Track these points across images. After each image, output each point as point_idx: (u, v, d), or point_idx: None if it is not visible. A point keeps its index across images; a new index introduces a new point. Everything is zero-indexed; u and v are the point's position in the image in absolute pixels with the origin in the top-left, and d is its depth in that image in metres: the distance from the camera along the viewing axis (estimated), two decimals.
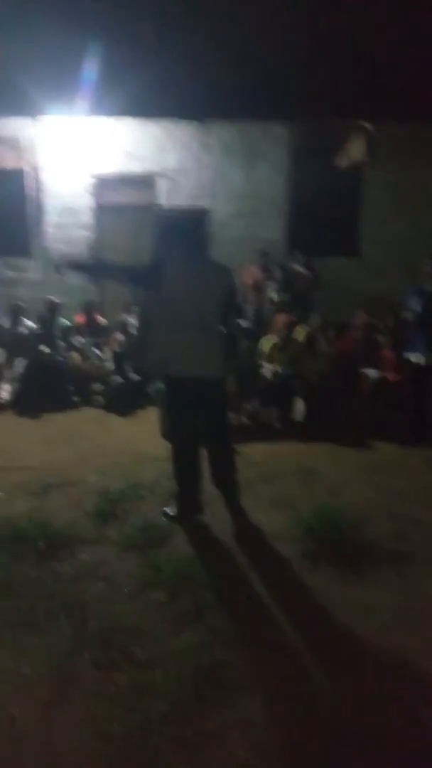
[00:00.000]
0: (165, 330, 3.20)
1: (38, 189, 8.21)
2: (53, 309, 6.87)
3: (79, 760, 1.82)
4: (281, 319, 6.02)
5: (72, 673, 2.16)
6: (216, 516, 3.34)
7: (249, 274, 7.76)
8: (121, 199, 8.43)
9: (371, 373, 5.60)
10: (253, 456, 4.37)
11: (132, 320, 7.07)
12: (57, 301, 7.04)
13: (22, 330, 6.82)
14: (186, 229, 3.41)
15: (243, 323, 6.56)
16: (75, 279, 3.49)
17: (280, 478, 4.01)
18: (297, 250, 7.88)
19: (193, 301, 3.12)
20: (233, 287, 3.33)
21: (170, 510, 3.37)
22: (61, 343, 6.63)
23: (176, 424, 3.37)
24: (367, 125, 7.28)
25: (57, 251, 8.35)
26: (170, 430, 3.37)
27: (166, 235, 3.40)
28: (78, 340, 6.89)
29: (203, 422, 3.29)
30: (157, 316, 3.28)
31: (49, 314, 6.80)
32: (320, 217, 8.33)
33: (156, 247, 3.43)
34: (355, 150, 7.63)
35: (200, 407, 3.24)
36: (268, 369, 5.60)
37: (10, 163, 8.05)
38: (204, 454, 3.35)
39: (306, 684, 2.15)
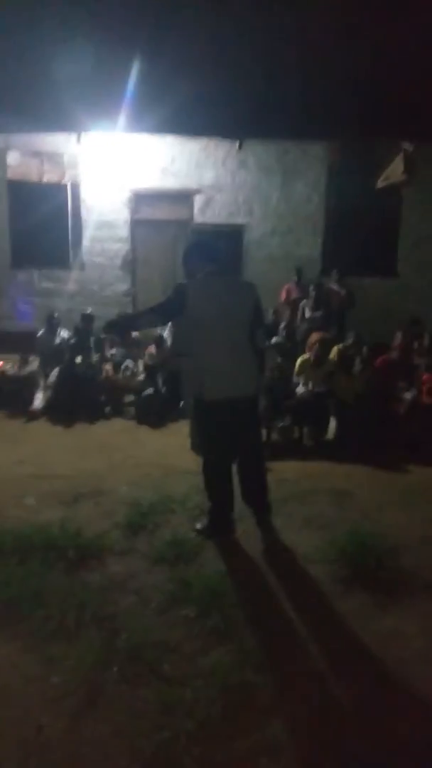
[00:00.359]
0: (197, 352, 3.14)
1: (78, 203, 8.39)
2: (88, 320, 6.97)
3: None
4: (315, 336, 5.98)
5: (100, 685, 2.14)
6: (247, 533, 3.30)
7: (285, 291, 7.77)
8: (158, 214, 8.55)
9: (407, 394, 5.51)
10: (285, 473, 4.32)
11: (165, 335, 7.13)
12: (92, 312, 7.15)
13: (58, 340, 6.93)
14: (210, 247, 3.37)
15: (276, 340, 6.55)
16: (117, 336, 3.54)
17: (313, 497, 3.94)
18: (332, 268, 7.86)
19: (222, 319, 3.08)
20: (259, 303, 3.30)
21: (200, 525, 3.34)
22: (95, 354, 6.71)
23: (209, 442, 3.32)
24: (407, 145, 7.24)
25: (93, 264, 8.51)
26: (202, 448, 3.34)
27: (191, 253, 3.35)
28: (111, 351, 6.97)
29: (236, 440, 3.26)
30: (189, 339, 3.20)
31: (84, 325, 6.90)
32: (357, 236, 8.31)
33: (183, 265, 3.38)
34: (393, 170, 7.59)
35: (234, 425, 3.20)
36: (301, 386, 5.56)
37: (53, 177, 8.26)
38: (236, 470, 3.32)
39: (337, 713, 2.09)
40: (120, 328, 3.45)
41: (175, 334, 3.23)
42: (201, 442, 3.32)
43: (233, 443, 3.26)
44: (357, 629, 2.53)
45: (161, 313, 3.23)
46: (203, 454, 3.38)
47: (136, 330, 3.32)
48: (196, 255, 3.29)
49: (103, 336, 3.05)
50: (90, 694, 2.10)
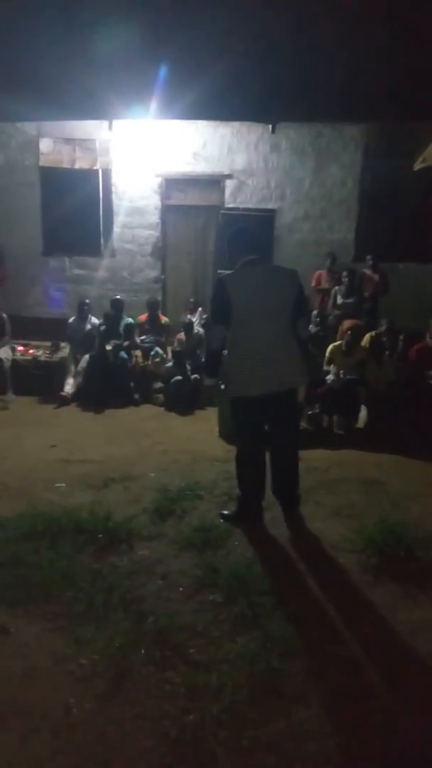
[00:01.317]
0: (236, 345, 3.07)
1: (109, 190, 8.40)
2: (118, 307, 7.01)
3: (131, 755, 1.82)
4: (347, 323, 5.89)
5: (128, 668, 2.16)
6: (275, 521, 3.29)
7: (316, 278, 7.65)
8: (188, 200, 8.50)
9: None
10: (314, 462, 4.28)
11: (194, 321, 7.13)
12: (122, 299, 7.18)
13: (88, 326, 6.99)
14: (252, 235, 3.30)
15: (309, 328, 6.47)
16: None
17: (342, 486, 3.90)
18: (366, 254, 7.70)
19: (261, 310, 3.01)
20: (302, 290, 3.23)
21: (228, 512, 3.34)
22: (125, 341, 6.75)
23: (243, 433, 3.27)
24: None
25: (123, 250, 8.53)
26: (238, 437, 3.29)
27: (234, 243, 3.29)
28: (140, 338, 7.00)
29: (273, 431, 3.22)
30: (231, 333, 3.10)
31: (114, 312, 6.94)
32: (392, 220, 8.12)
33: (227, 253, 3.31)
34: (430, 152, 7.36)
35: (270, 418, 3.17)
36: (331, 374, 5.49)
37: (84, 164, 8.28)
38: (269, 461, 3.28)
39: (364, 701, 2.07)
40: (215, 368, 3.39)
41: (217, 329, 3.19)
42: (235, 432, 3.29)
43: (268, 434, 3.23)
44: (385, 619, 2.50)
45: (219, 319, 3.12)
46: (237, 444, 3.34)
47: (218, 352, 3.25)
48: (236, 244, 3.23)
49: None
50: (117, 675, 2.13)
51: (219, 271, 8.30)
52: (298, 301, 3.15)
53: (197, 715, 1.95)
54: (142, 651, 2.23)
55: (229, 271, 3.25)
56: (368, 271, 7.46)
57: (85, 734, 1.89)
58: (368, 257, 7.55)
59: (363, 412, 5.49)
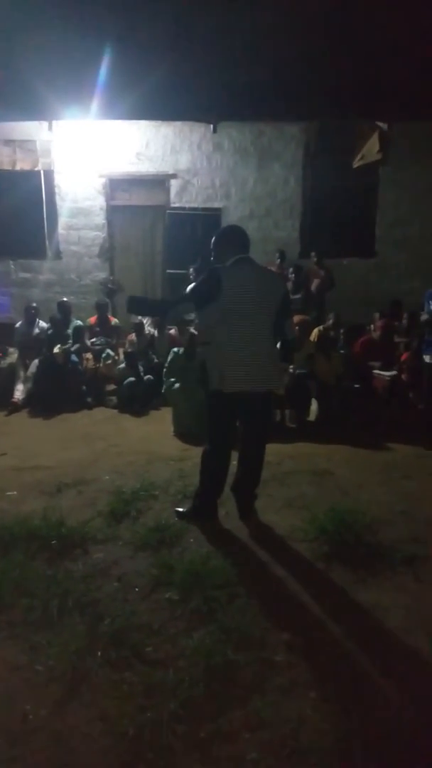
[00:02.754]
0: (220, 341, 3.04)
1: (52, 191, 8.28)
2: (66, 310, 6.92)
3: (90, 757, 1.82)
4: (295, 319, 5.98)
5: (85, 671, 2.16)
6: (229, 515, 3.34)
7: None
8: (134, 200, 8.47)
9: (387, 373, 5.56)
10: (267, 456, 4.28)
11: (145, 321, 7.12)
12: (69, 302, 7.10)
13: (36, 330, 6.87)
14: (242, 234, 3.23)
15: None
16: (142, 314, 3.23)
17: (294, 478, 3.98)
18: (311, 250, 7.85)
19: (251, 308, 3.00)
20: (288, 293, 3.22)
21: (183, 509, 3.37)
22: (75, 344, 6.67)
23: (217, 431, 3.24)
24: (381, 125, 7.22)
25: (70, 252, 8.42)
26: (211, 433, 3.25)
27: (222, 239, 3.24)
28: (91, 340, 6.94)
29: (246, 429, 3.24)
30: (213, 327, 3.08)
31: (61, 315, 6.84)
32: (335, 217, 8.32)
33: (213, 250, 3.26)
34: (369, 149, 7.57)
35: (248, 416, 3.18)
36: None
37: (26, 165, 8.13)
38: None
39: (318, 685, 2.13)
40: (147, 312, 3.20)
41: (201, 322, 3.09)
42: (207, 428, 3.28)
43: (241, 432, 3.25)
44: (338, 604, 2.58)
45: (196, 299, 3.06)
46: (208, 440, 3.29)
47: (165, 318, 3.10)
48: (226, 241, 3.18)
49: (128, 304, 2.90)
50: (74, 679, 2.12)
51: (168, 270, 8.31)
52: (285, 303, 3.17)
53: (155, 713, 1.96)
54: (99, 653, 2.23)
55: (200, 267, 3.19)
56: (314, 267, 7.62)
57: (43, 740, 1.88)
58: (312, 253, 7.70)
59: (314, 406, 5.61)
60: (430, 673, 2.19)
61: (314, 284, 7.57)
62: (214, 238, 3.24)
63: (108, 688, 2.09)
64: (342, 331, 6.32)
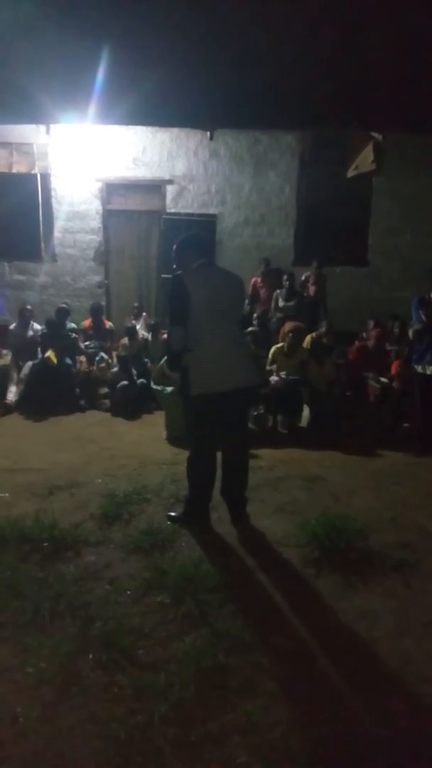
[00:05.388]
0: (193, 345, 3.07)
1: (48, 194, 8.29)
2: (63, 314, 6.92)
3: (81, 759, 1.83)
4: (288, 325, 6.04)
5: (76, 673, 2.16)
6: (221, 520, 3.35)
7: (252, 284, 7.81)
8: (130, 205, 8.50)
9: (378, 381, 5.61)
10: (259, 461, 4.37)
11: (138, 325, 7.14)
12: (67, 308, 7.10)
13: (30, 333, 6.87)
14: (202, 241, 3.37)
15: (250, 329, 6.60)
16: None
17: (286, 483, 4.00)
18: (308, 258, 7.89)
19: (218, 310, 3.06)
20: (244, 296, 3.33)
21: (175, 513, 3.38)
22: (70, 344, 6.67)
23: (199, 434, 3.27)
24: (376, 135, 7.30)
25: (65, 256, 8.43)
26: (194, 438, 3.29)
27: (184, 246, 3.30)
28: (85, 343, 6.94)
29: (226, 431, 3.25)
30: (190, 335, 3.08)
31: (57, 318, 6.84)
32: (329, 226, 8.38)
33: (175, 258, 3.32)
34: (363, 160, 7.65)
35: (227, 417, 3.19)
36: (274, 375, 5.61)
37: (22, 168, 8.13)
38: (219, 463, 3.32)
39: (308, 690, 2.15)
40: (178, 365, 3.27)
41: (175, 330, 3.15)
42: (192, 432, 3.30)
43: (221, 435, 3.26)
44: (327, 609, 2.60)
45: (179, 320, 3.07)
46: (192, 446, 3.33)
47: (180, 352, 3.16)
48: (188, 248, 3.24)
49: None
50: (65, 682, 2.13)
51: (163, 275, 8.34)
52: (242, 306, 3.25)
53: (145, 715, 1.97)
54: (90, 656, 2.24)
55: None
56: (312, 275, 7.66)
57: (33, 743, 1.88)
58: (314, 262, 7.73)
59: (306, 411, 5.64)
60: (421, 679, 2.21)
61: (312, 291, 7.60)
62: (174, 247, 3.31)
63: (99, 691, 2.09)
64: (333, 337, 6.40)
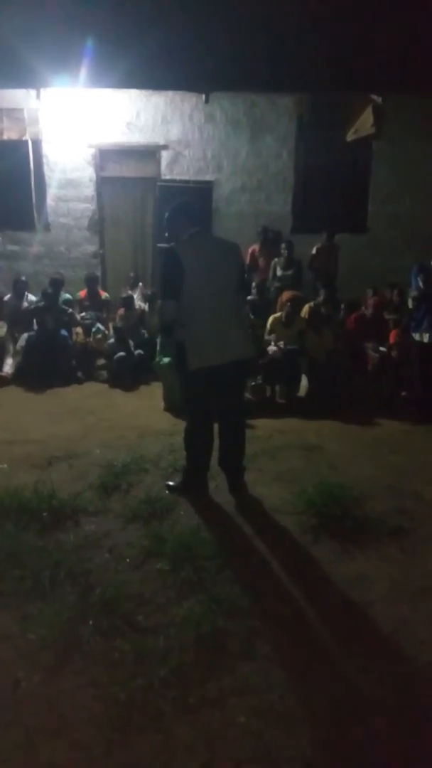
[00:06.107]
0: (188, 318, 3.04)
1: (40, 161, 8.10)
2: (56, 284, 6.84)
3: (82, 722, 1.86)
4: (286, 295, 5.98)
5: (76, 639, 2.20)
6: (219, 489, 3.37)
7: (250, 252, 7.68)
8: (124, 172, 8.32)
9: (376, 350, 5.58)
10: (257, 431, 4.38)
11: (135, 295, 7.07)
12: (61, 278, 7.01)
13: (25, 304, 6.80)
14: (194, 209, 3.27)
15: (249, 299, 6.53)
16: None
17: (284, 453, 4.02)
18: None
19: (212, 281, 3.02)
20: (244, 264, 3.27)
21: (173, 483, 3.39)
22: (65, 318, 6.61)
23: (195, 405, 3.28)
24: (376, 98, 7.11)
25: (59, 225, 8.28)
26: (189, 409, 3.30)
27: (176, 216, 3.24)
28: (81, 314, 6.88)
29: (222, 402, 3.25)
30: (185, 308, 3.05)
31: (52, 289, 6.76)
32: (327, 192, 8.22)
33: (167, 228, 3.27)
34: (362, 123, 7.47)
35: (219, 390, 3.19)
36: (272, 345, 5.58)
37: (13, 135, 7.92)
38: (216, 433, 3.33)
39: (305, 653, 2.19)
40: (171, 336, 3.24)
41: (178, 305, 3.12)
42: (187, 404, 3.30)
43: (217, 405, 3.27)
44: (324, 575, 2.64)
45: (171, 293, 3.03)
46: (188, 417, 3.34)
47: (172, 325, 3.14)
48: (179, 217, 3.18)
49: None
50: (66, 647, 2.16)
51: (159, 244, 8.21)
52: (240, 274, 3.19)
53: (145, 679, 2.01)
54: (90, 622, 2.27)
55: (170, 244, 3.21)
56: (325, 246, 7.53)
57: (35, 706, 1.92)
58: (324, 234, 7.59)
59: (304, 381, 5.63)
60: (416, 642, 2.25)
61: (324, 263, 7.48)
62: (166, 216, 3.24)
63: (99, 656, 2.13)
64: (342, 306, 6.36)
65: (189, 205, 3.33)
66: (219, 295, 3.05)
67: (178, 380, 3.28)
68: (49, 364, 6.08)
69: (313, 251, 7.54)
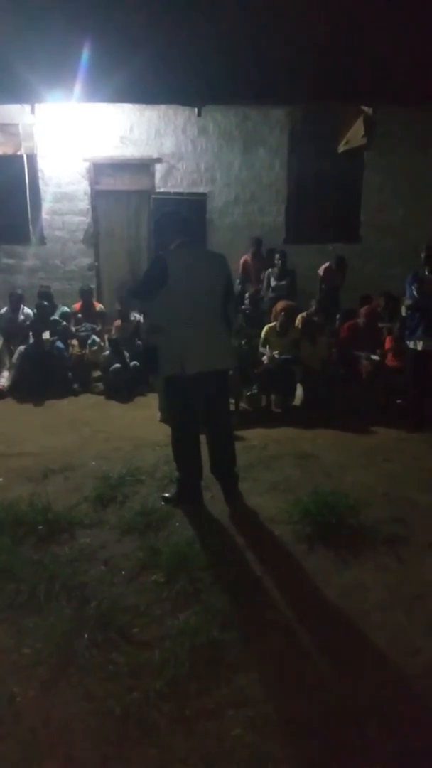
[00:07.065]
0: (171, 326, 3.08)
1: (35, 175, 8.16)
2: (47, 295, 6.87)
3: (77, 736, 1.86)
4: (280, 305, 6.01)
5: (71, 652, 2.19)
6: (214, 499, 3.37)
7: (242, 263, 7.74)
8: (118, 185, 8.38)
9: (371, 358, 5.61)
10: (252, 440, 4.39)
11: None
12: (48, 288, 7.05)
13: (21, 317, 6.82)
14: (182, 218, 3.33)
15: (242, 309, 6.57)
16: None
17: (279, 462, 4.03)
18: (296, 235, 7.79)
19: (197, 291, 3.06)
20: (231, 275, 3.30)
21: (168, 494, 3.39)
22: (59, 328, 6.63)
23: (179, 414, 3.32)
24: (366, 109, 7.20)
25: (54, 238, 8.33)
26: (172, 418, 3.35)
27: (163, 225, 3.30)
28: (76, 327, 6.91)
29: (206, 411, 3.28)
30: (163, 313, 3.12)
31: (45, 301, 6.79)
32: (320, 202, 8.29)
33: (156, 237, 3.32)
34: (354, 134, 7.55)
35: (204, 398, 3.22)
36: (266, 354, 5.61)
37: (8, 149, 7.99)
38: (205, 441, 3.35)
39: (301, 662, 2.18)
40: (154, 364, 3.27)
41: (150, 308, 3.14)
42: (171, 414, 3.33)
43: (202, 415, 3.29)
44: (320, 584, 2.63)
45: (148, 293, 3.11)
46: (173, 426, 3.39)
47: (155, 347, 3.20)
48: (167, 227, 3.24)
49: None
50: (61, 661, 2.15)
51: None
52: (227, 285, 3.22)
53: (141, 692, 2.00)
54: (86, 635, 2.26)
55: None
56: (333, 265, 7.56)
57: (31, 721, 1.91)
58: (330, 247, 7.63)
59: (298, 390, 5.65)
60: (412, 650, 2.25)
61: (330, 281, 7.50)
62: (155, 227, 3.28)
63: (95, 669, 2.12)
64: (338, 316, 6.40)
65: (175, 214, 3.37)
66: (202, 305, 3.08)
67: (163, 388, 3.30)
68: (45, 377, 6.09)
69: (320, 272, 7.56)
